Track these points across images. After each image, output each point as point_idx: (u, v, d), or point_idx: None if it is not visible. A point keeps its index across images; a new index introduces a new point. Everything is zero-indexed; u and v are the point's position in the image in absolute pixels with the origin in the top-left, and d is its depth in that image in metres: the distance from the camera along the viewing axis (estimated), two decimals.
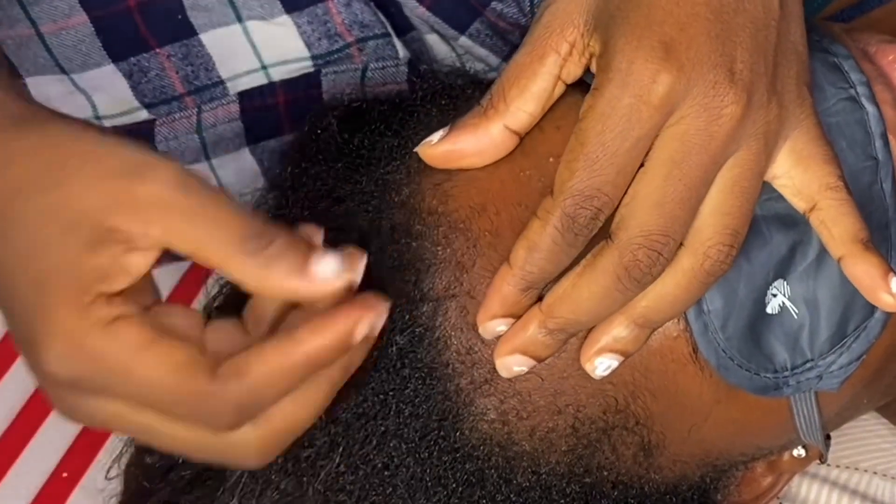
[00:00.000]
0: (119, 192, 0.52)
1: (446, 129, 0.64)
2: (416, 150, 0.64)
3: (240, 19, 0.77)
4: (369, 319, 0.55)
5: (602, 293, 0.59)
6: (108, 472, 0.73)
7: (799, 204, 0.62)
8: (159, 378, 0.53)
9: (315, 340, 0.54)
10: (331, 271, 0.54)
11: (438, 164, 0.64)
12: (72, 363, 0.53)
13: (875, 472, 0.84)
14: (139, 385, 0.53)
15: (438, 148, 0.63)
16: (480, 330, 0.62)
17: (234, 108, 0.80)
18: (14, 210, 0.54)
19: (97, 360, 0.53)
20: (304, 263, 0.54)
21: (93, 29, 0.76)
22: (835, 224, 0.61)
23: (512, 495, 0.65)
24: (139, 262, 0.54)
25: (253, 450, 0.56)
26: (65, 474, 0.86)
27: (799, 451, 0.72)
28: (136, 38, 0.77)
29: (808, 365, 0.66)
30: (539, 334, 0.61)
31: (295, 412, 0.56)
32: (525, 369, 0.62)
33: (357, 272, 0.55)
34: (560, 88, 0.62)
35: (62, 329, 0.53)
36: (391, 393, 0.64)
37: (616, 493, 0.67)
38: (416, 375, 0.64)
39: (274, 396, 0.55)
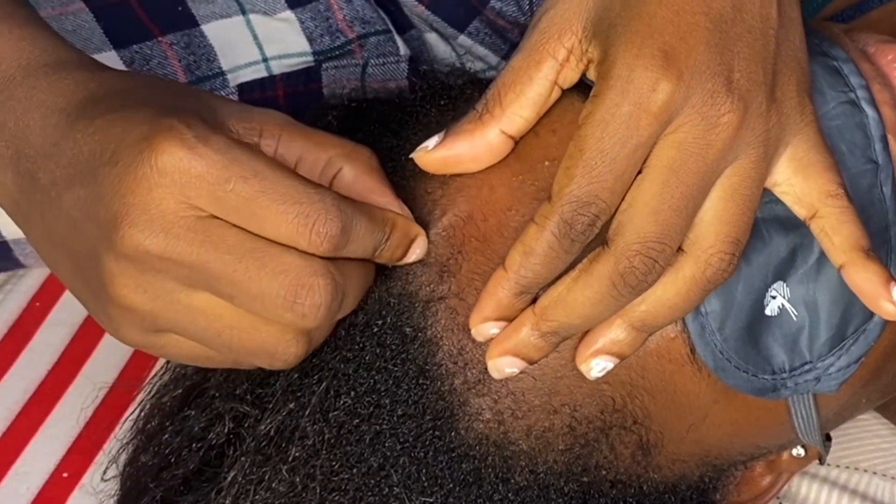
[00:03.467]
0: None
1: (441, 134, 0.63)
2: (411, 156, 0.64)
3: (243, 12, 0.77)
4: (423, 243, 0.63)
5: (597, 298, 0.59)
6: (105, 471, 0.73)
7: (800, 211, 0.62)
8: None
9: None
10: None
11: (434, 170, 0.64)
12: (160, 235, 0.56)
13: (875, 472, 0.84)
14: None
15: (434, 154, 0.63)
16: (473, 332, 0.62)
17: (234, 99, 0.80)
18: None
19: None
20: None
21: (92, 16, 0.76)
22: (836, 232, 0.62)
23: (509, 494, 0.65)
24: None
25: (324, 284, 0.58)
26: (65, 474, 0.86)
27: (798, 451, 0.72)
28: (137, 26, 0.77)
29: (807, 367, 0.66)
30: (532, 337, 0.61)
31: (360, 274, 0.61)
32: (516, 371, 0.62)
33: None
34: (556, 93, 0.62)
35: (153, 203, 0.56)
36: (384, 393, 0.64)
37: (614, 493, 0.67)
38: (409, 376, 0.64)
39: (365, 243, 0.59)
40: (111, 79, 0.60)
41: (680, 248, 0.60)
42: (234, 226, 0.57)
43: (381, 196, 0.62)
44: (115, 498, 0.73)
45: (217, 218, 0.56)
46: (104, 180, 0.56)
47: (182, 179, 0.55)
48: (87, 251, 0.58)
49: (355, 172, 0.61)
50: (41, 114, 0.59)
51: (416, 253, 0.63)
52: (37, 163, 0.59)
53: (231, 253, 0.56)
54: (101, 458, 0.85)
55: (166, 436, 0.69)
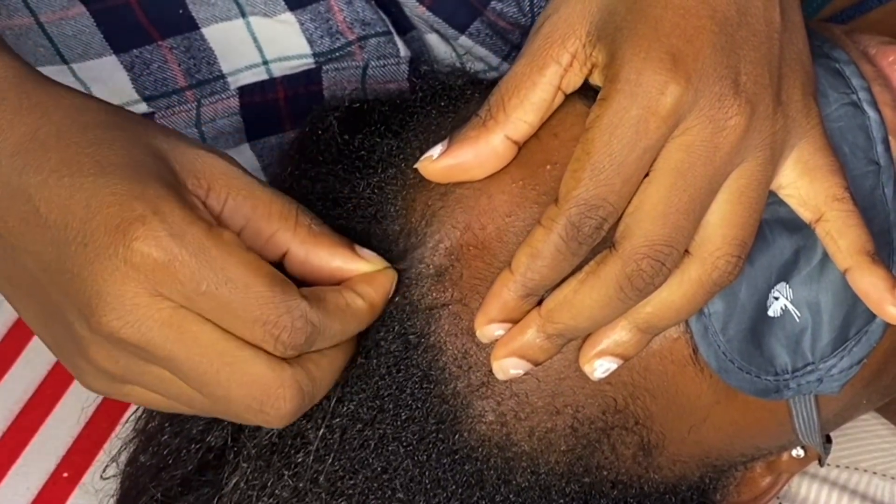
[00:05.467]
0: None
1: (445, 142, 0.63)
2: (415, 166, 0.64)
3: (243, 14, 0.77)
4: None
5: (603, 301, 0.59)
6: (104, 470, 0.73)
7: (805, 214, 0.63)
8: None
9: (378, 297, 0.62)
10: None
11: (439, 180, 0.64)
12: (135, 327, 0.56)
13: (875, 472, 0.84)
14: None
15: (439, 164, 0.63)
16: (478, 334, 0.62)
17: (234, 102, 0.79)
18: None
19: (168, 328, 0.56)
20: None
21: (93, 20, 0.76)
22: (841, 236, 0.62)
23: (511, 496, 0.66)
24: None
25: (290, 395, 0.59)
26: (65, 474, 0.86)
27: (798, 452, 0.72)
28: (137, 30, 0.76)
29: (809, 368, 0.66)
30: (537, 338, 0.61)
31: (333, 363, 0.61)
32: (521, 372, 0.62)
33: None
34: (559, 98, 0.62)
35: (128, 295, 0.56)
36: (387, 397, 0.64)
37: (615, 493, 0.67)
38: (413, 380, 0.64)
39: (335, 335, 0.60)
40: (52, 110, 0.60)
41: (686, 251, 0.60)
42: (211, 322, 0.57)
43: (342, 262, 0.62)
44: (115, 497, 0.73)
45: (193, 312, 0.57)
46: (73, 258, 0.57)
47: (156, 277, 0.56)
48: (56, 312, 0.59)
49: (305, 250, 0.62)
50: None
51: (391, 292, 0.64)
52: None
53: (202, 355, 0.57)
54: (102, 458, 0.85)
55: (165, 436, 0.69)
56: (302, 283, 0.60)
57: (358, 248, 0.63)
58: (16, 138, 0.58)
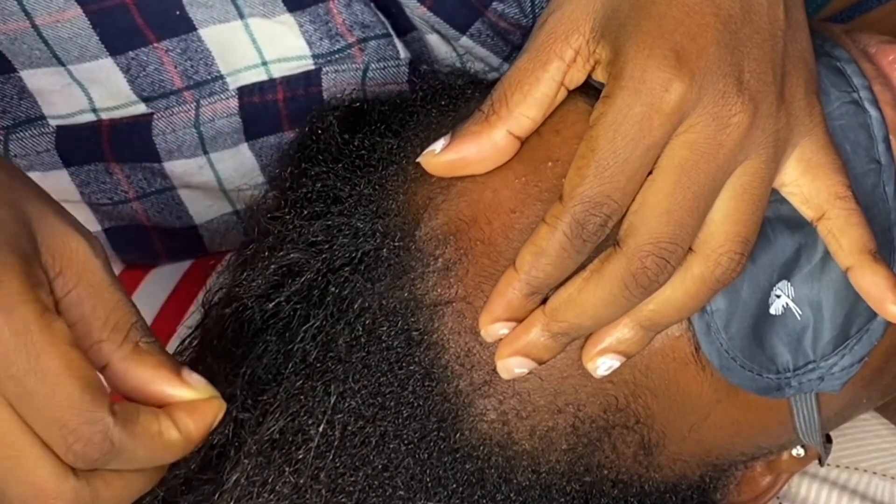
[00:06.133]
0: None
1: (447, 137, 0.63)
2: (418, 160, 0.64)
3: (241, 16, 0.77)
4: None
5: (608, 299, 0.59)
6: None
7: (807, 212, 0.63)
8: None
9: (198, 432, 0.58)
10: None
11: (442, 174, 0.64)
12: None
13: (875, 472, 0.84)
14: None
15: (442, 158, 0.63)
16: (482, 333, 0.62)
17: (233, 102, 0.79)
18: None
19: None
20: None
21: (88, 22, 0.76)
22: (843, 234, 0.62)
23: (512, 494, 0.66)
24: None
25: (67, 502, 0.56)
26: None
27: (798, 451, 0.72)
28: (133, 32, 0.76)
29: (811, 366, 0.66)
30: (542, 337, 0.61)
31: (127, 487, 0.58)
32: (525, 371, 0.62)
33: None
34: (562, 94, 0.62)
35: None
36: (389, 395, 0.64)
37: (616, 492, 0.67)
38: (415, 378, 0.64)
39: (138, 461, 0.57)
40: None
41: (689, 248, 0.60)
42: (9, 408, 0.54)
43: (164, 386, 0.58)
44: None
45: None
46: None
47: None
48: None
49: (125, 366, 0.58)
50: None
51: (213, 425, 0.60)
52: None
53: None
54: None
55: None
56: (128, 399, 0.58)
57: (186, 372, 0.59)
58: None
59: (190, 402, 0.58)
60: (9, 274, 0.54)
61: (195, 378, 0.59)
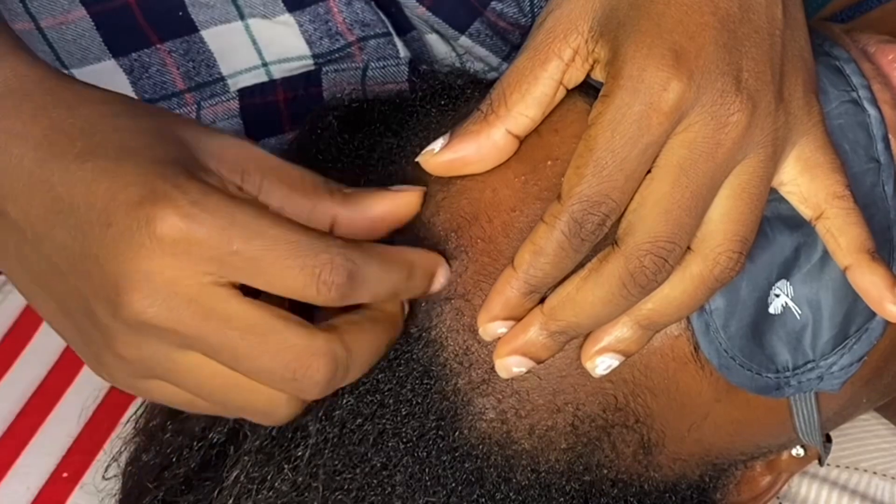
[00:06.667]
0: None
1: (447, 136, 0.63)
2: (417, 160, 0.64)
3: (242, 17, 0.77)
4: (445, 271, 0.62)
5: (606, 298, 0.59)
6: (106, 470, 0.73)
7: (805, 211, 0.63)
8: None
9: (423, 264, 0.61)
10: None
11: (441, 173, 0.64)
12: (162, 306, 0.55)
13: (875, 472, 0.84)
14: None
15: (441, 157, 0.63)
16: (480, 331, 0.62)
17: (234, 104, 0.80)
18: None
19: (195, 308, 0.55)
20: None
21: (92, 24, 0.76)
22: (841, 233, 0.62)
23: (511, 493, 0.66)
24: None
25: (323, 363, 0.57)
26: (65, 474, 0.86)
27: (798, 451, 0.72)
28: (136, 33, 0.77)
29: (810, 366, 0.66)
30: (540, 336, 0.61)
31: (371, 337, 0.59)
32: (524, 370, 0.62)
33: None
34: (561, 93, 0.62)
35: (153, 273, 0.55)
36: (388, 392, 0.64)
37: (615, 492, 0.67)
38: (413, 376, 0.64)
39: (376, 281, 0.58)
40: (77, 105, 0.59)
41: (688, 247, 0.60)
42: (238, 294, 0.56)
43: (388, 203, 0.62)
44: (117, 497, 0.73)
45: (220, 286, 0.56)
46: (96, 241, 0.56)
47: (182, 248, 0.55)
48: (77, 301, 0.58)
49: (350, 211, 0.61)
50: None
51: (439, 282, 0.62)
52: (1, 193, 0.58)
53: (234, 328, 0.56)
54: (102, 458, 0.85)
55: (167, 435, 0.69)
56: None
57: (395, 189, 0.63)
58: (39, 131, 0.58)
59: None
60: (188, 180, 0.55)
61: (400, 186, 0.62)
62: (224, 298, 0.56)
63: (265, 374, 0.57)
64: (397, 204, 0.61)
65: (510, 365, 0.62)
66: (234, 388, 0.58)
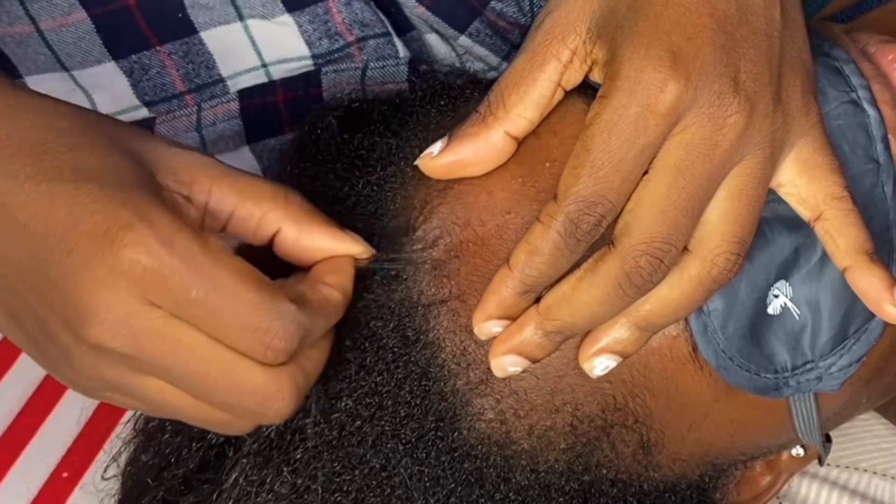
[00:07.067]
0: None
1: (445, 139, 0.63)
2: (416, 163, 0.64)
3: (241, 17, 0.77)
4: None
5: (602, 298, 0.59)
6: (105, 470, 0.73)
7: (804, 213, 0.63)
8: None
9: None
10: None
11: (440, 176, 0.64)
12: (126, 337, 0.55)
13: (875, 472, 0.84)
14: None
15: (440, 160, 0.63)
16: (476, 331, 0.62)
17: (234, 105, 0.80)
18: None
19: (153, 338, 0.55)
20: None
21: (93, 26, 0.76)
22: (840, 235, 0.62)
23: (511, 494, 0.66)
24: None
25: (288, 394, 0.58)
26: (65, 474, 0.86)
27: (798, 451, 0.72)
28: (136, 35, 0.76)
29: (809, 366, 0.66)
30: (535, 336, 0.61)
31: (322, 353, 0.61)
32: (520, 369, 0.62)
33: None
34: (559, 95, 0.62)
35: (117, 304, 0.55)
36: (386, 394, 0.64)
37: (615, 492, 0.67)
38: (411, 377, 0.64)
39: (321, 331, 0.60)
40: (25, 117, 0.58)
41: (685, 248, 0.60)
42: (200, 332, 0.56)
43: (331, 240, 0.62)
44: (116, 497, 0.73)
45: (183, 319, 0.56)
46: (56, 266, 0.55)
47: (145, 284, 0.54)
48: (34, 320, 0.58)
49: (297, 228, 0.61)
50: None
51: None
52: None
53: (199, 364, 0.56)
54: (102, 458, 0.85)
55: (166, 435, 0.69)
56: (282, 268, 0.61)
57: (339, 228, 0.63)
58: None
59: (328, 263, 0.62)
60: (154, 210, 0.55)
61: (346, 231, 0.63)
62: (188, 332, 0.56)
63: (229, 406, 0.58)
64: (334, 248, 0.62)
65: (505, 364, 0.62)
66: (196, 408, 0.59)
